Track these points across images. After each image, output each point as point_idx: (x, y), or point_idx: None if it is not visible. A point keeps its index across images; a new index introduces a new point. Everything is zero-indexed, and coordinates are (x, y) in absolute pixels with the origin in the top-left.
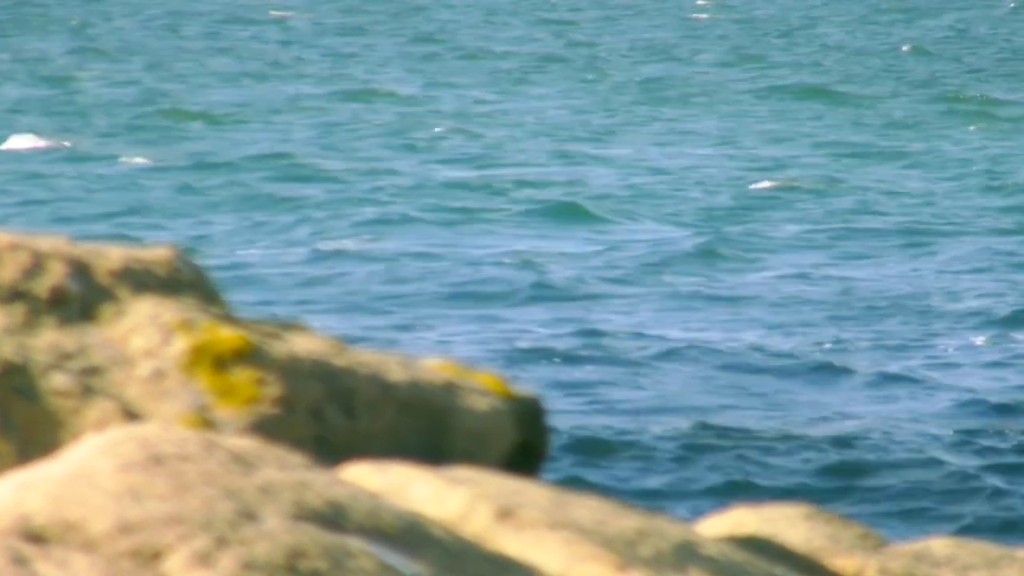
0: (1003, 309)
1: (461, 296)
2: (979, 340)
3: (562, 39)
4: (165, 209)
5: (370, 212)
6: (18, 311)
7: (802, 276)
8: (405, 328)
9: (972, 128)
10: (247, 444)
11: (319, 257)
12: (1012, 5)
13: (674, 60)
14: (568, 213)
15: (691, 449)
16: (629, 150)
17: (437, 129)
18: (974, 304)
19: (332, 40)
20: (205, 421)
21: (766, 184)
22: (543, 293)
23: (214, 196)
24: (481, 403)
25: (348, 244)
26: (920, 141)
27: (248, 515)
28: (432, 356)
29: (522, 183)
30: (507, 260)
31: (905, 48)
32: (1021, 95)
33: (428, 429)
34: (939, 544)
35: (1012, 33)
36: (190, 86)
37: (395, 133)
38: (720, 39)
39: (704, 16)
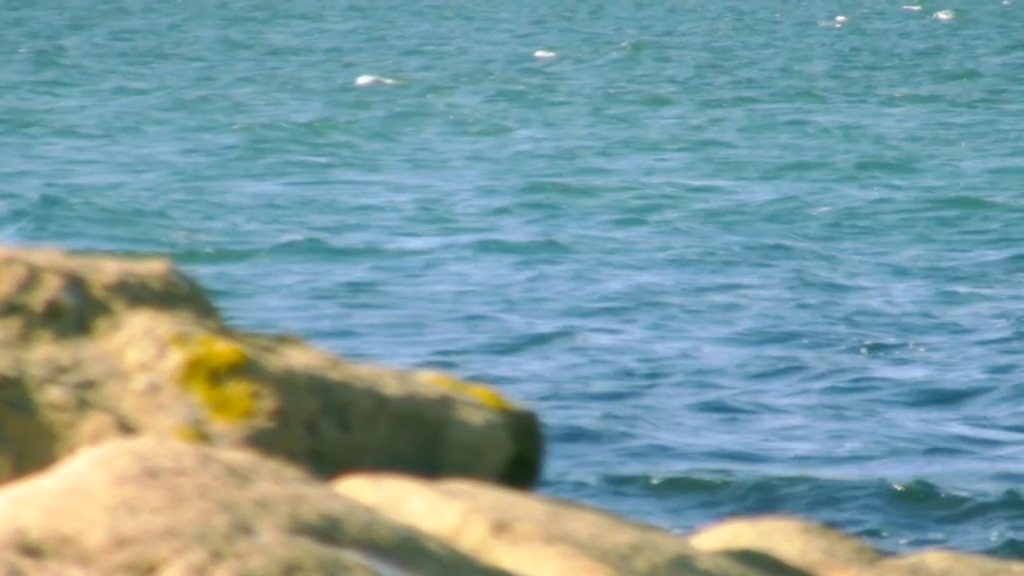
0: (997, 323)
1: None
2: (964, 348)
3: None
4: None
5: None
6: (13, 324)
7: (791, 285)
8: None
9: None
10: (242, 457)
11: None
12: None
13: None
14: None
15: (686, 462)
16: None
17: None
18: (940, 310)
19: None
20: (200, 434)
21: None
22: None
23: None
24: (476, 416)
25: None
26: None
27: (243, 528)
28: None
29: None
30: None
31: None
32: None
33: (423, 442)
34: (934, 558)
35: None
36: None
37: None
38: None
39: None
